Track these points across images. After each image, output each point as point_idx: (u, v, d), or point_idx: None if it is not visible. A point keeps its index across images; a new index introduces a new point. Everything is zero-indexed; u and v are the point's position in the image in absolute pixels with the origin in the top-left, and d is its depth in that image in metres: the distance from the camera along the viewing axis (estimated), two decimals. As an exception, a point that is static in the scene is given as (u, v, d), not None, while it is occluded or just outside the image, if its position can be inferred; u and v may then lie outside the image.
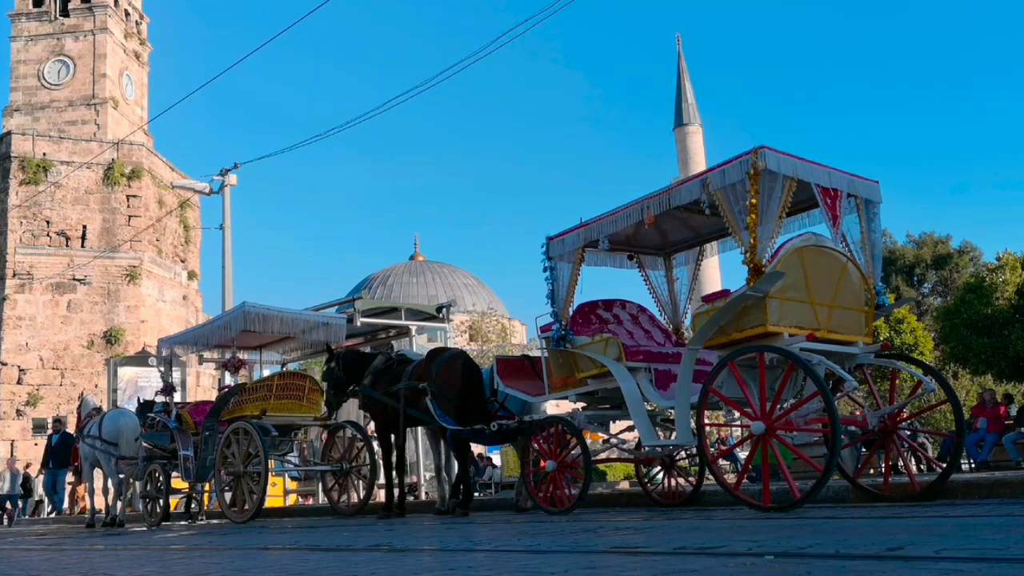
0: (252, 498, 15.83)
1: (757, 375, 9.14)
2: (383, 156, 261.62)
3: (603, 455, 14.55)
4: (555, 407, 15.41)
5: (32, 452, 39.20)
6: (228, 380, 18.78)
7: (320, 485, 20.50)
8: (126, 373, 35.10)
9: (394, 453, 14.45)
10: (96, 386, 41.83)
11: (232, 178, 29.82)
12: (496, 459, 34.29)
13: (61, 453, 28.04)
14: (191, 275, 51.46)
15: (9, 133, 47.68)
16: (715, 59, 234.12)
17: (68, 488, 30.91)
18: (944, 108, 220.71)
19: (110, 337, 44.27)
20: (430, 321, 21.70)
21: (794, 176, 9.43)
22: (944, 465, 10.64)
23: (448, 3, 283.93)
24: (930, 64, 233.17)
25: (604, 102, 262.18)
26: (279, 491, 24.67)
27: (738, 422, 10.43)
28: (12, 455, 38.39)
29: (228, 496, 16.57)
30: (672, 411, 11.02)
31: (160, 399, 18.67)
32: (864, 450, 13.96)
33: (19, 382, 43.62)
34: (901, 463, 14.14)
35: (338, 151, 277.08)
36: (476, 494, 20.91)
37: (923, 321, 44.96)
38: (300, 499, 26.98)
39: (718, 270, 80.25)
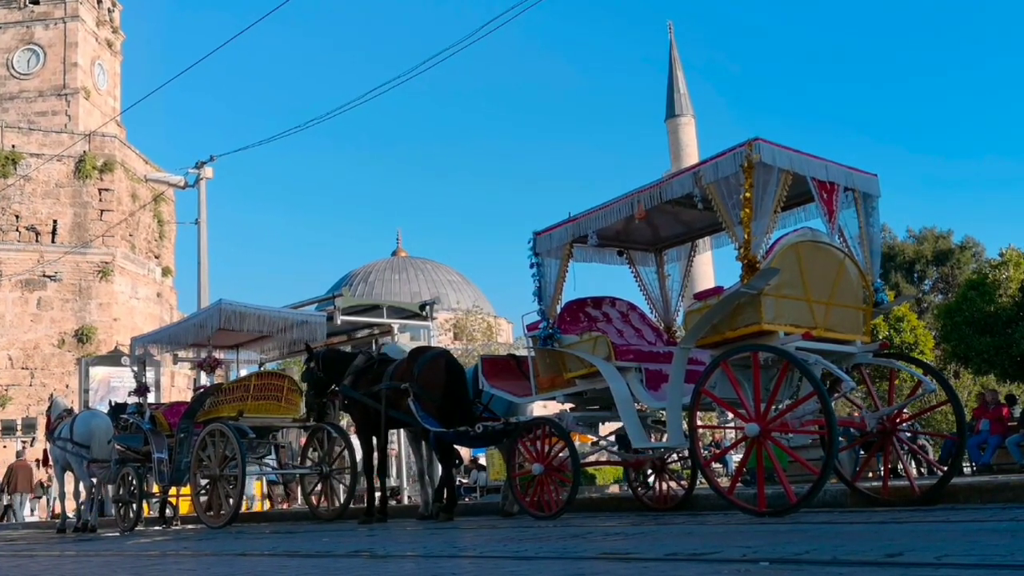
0: (229, 502, 15.81)
1: (751, 375, 9.14)
2: (365, 148, 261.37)
3: (592, 458, 14.52)
4: (542, 408, 15.41)
5: (0, 455, 39.09)
6: (204, 380, 18.77)
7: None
8: (98, 373, 35.04)
9: (375, 455, 14.45)
10: (67, 386, 41.67)
11: (208, 171, 29.80)
12: (482, 462, 34.28)
13: None
14: (165, 271, 51.35)
15: (-24, 124, 47.52)
16: (708, 48, 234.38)
17: None
18: (946, 98, 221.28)
19: (81, 336, 44.12)
20: (413, 319, 21.70)
21: (790, 169, 9.43)
22: (945, 468, 10.66)
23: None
24: (931, 52, 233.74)
25: (593, 92, 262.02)
26: (256, 495, 24.65)
27: (732, 424, 10.43)
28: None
29: (204, 500, 16.54)
30: (663, 412, 11.02)
31: (133, 400, 18.61)
32: (862, 453, 13.97)
33: (-14, 382, 43.50)
34: (900, 466, 14.16)
35: (318, 143, 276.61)
36: (464, 499, 20.91)
37: (923, 319, 45.03)
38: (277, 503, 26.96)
39: (711, 266, 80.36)
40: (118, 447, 18.08)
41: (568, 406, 12.29)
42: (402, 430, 16.96)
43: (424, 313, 21.58)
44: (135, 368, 19.55)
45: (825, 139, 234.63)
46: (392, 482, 19.57)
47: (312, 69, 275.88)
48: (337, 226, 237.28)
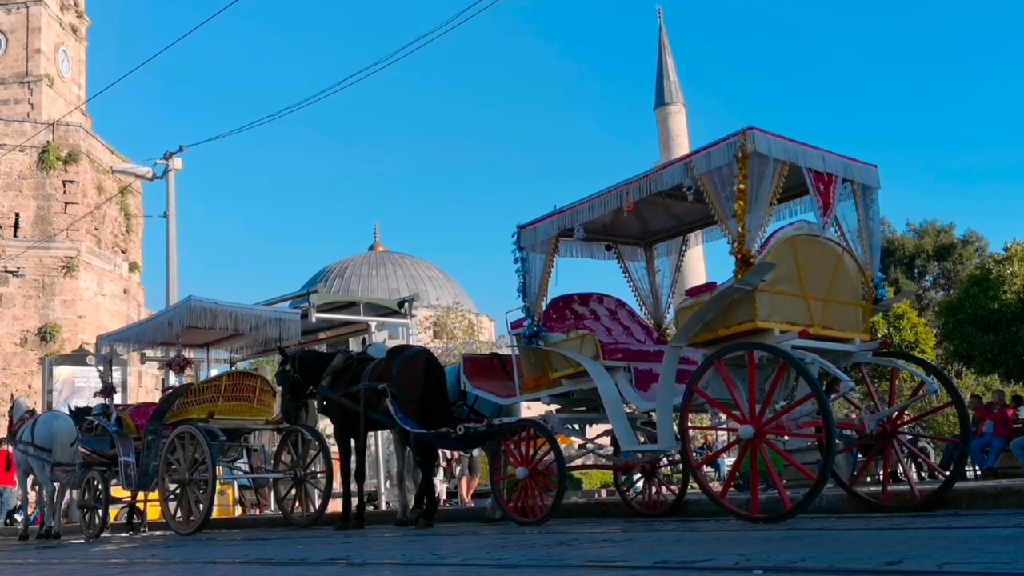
0: (199, 508, 15.76)
1: (746, 375, 9.14)
2: (341, 138, 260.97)
3: (579, 461, 14.52)
4: (526, 409, 15.41)
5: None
6: (172, 380, 18.68)
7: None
8: (62, 373, 34.90)
9: (353, 458, 14.42)
10: (30, 387, 41.56)
11: (177, 162, 29.79)
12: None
13: None
14: (132, 267, 51.22)
15: (-65, 113, 47.35)
16: (699, 34, 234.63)
17: None
18: (947, 87, 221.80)
19: (45, 334, 43.97)
20: (391, 316, 21.67)
21: (785, 159, 9.42)
22: (947, 472, 10.67)
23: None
24: (933, 40, 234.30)
25: (580, 80, 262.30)
26: (228, 500, 24.61)
27: (725, 426, 10.43)
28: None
29: (173, 506, 16.48)
30: (653, 414, 11.01)
31: (99, 401, 18.54)
32: (861, 456, 13.98)
33: (-55, 382, 43.36)
34: (901, 470, 14.17)
35: (292, 133, 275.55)
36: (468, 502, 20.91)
37: (924, 316, 45.18)
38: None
39: (703, 261, 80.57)
40: (83, 450, 18.01)
41: (554, 407, 12.26)
42: (390, 433, 16.90)
43: (403, 310, 21.56)
44: (101, 368, 19.48)
45: (822, 128, 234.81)
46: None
47: (287, 56, 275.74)
48: (312, 220, 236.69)
